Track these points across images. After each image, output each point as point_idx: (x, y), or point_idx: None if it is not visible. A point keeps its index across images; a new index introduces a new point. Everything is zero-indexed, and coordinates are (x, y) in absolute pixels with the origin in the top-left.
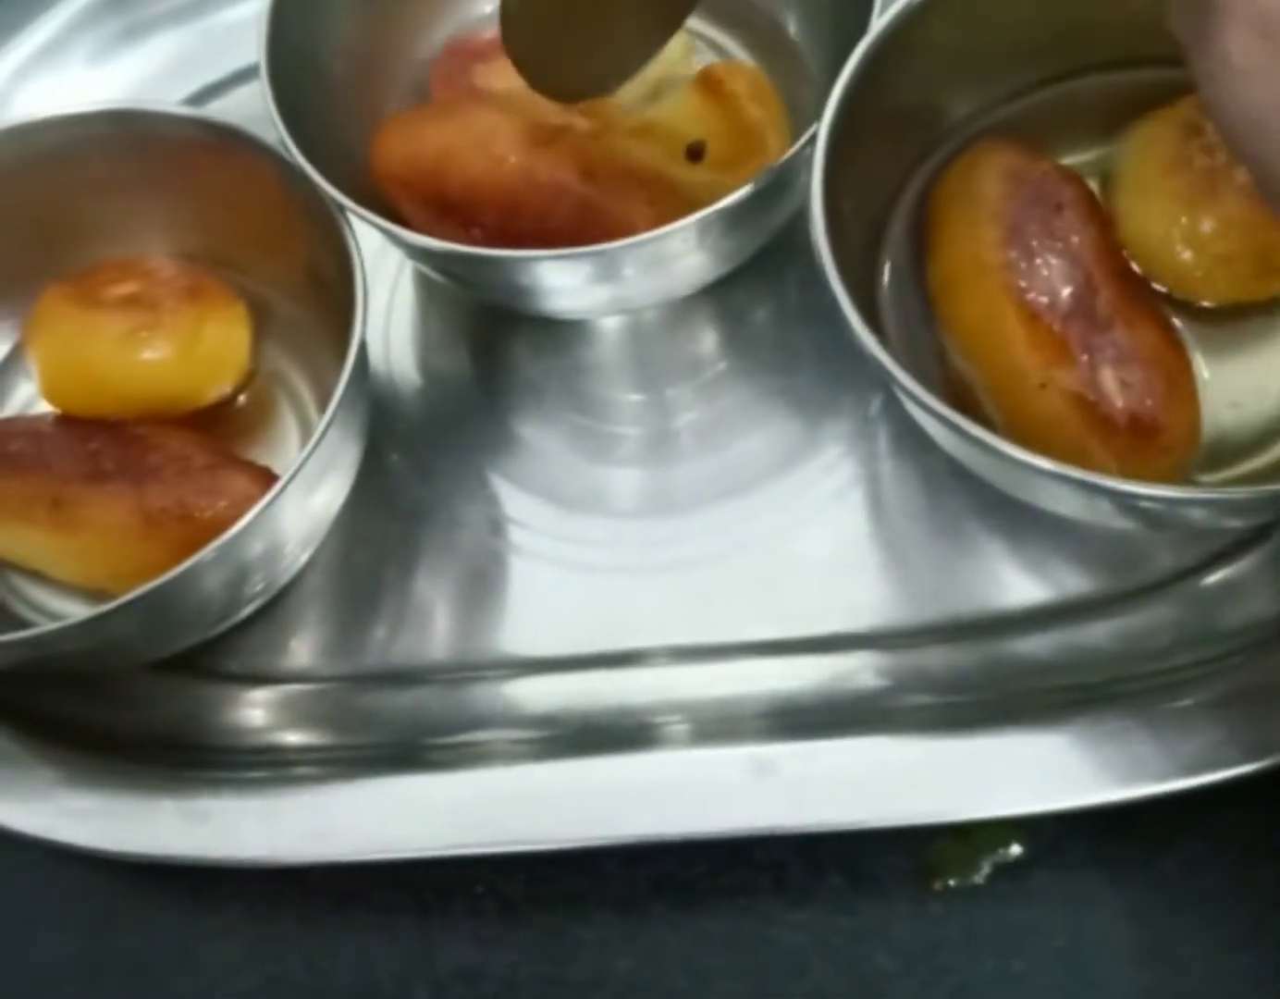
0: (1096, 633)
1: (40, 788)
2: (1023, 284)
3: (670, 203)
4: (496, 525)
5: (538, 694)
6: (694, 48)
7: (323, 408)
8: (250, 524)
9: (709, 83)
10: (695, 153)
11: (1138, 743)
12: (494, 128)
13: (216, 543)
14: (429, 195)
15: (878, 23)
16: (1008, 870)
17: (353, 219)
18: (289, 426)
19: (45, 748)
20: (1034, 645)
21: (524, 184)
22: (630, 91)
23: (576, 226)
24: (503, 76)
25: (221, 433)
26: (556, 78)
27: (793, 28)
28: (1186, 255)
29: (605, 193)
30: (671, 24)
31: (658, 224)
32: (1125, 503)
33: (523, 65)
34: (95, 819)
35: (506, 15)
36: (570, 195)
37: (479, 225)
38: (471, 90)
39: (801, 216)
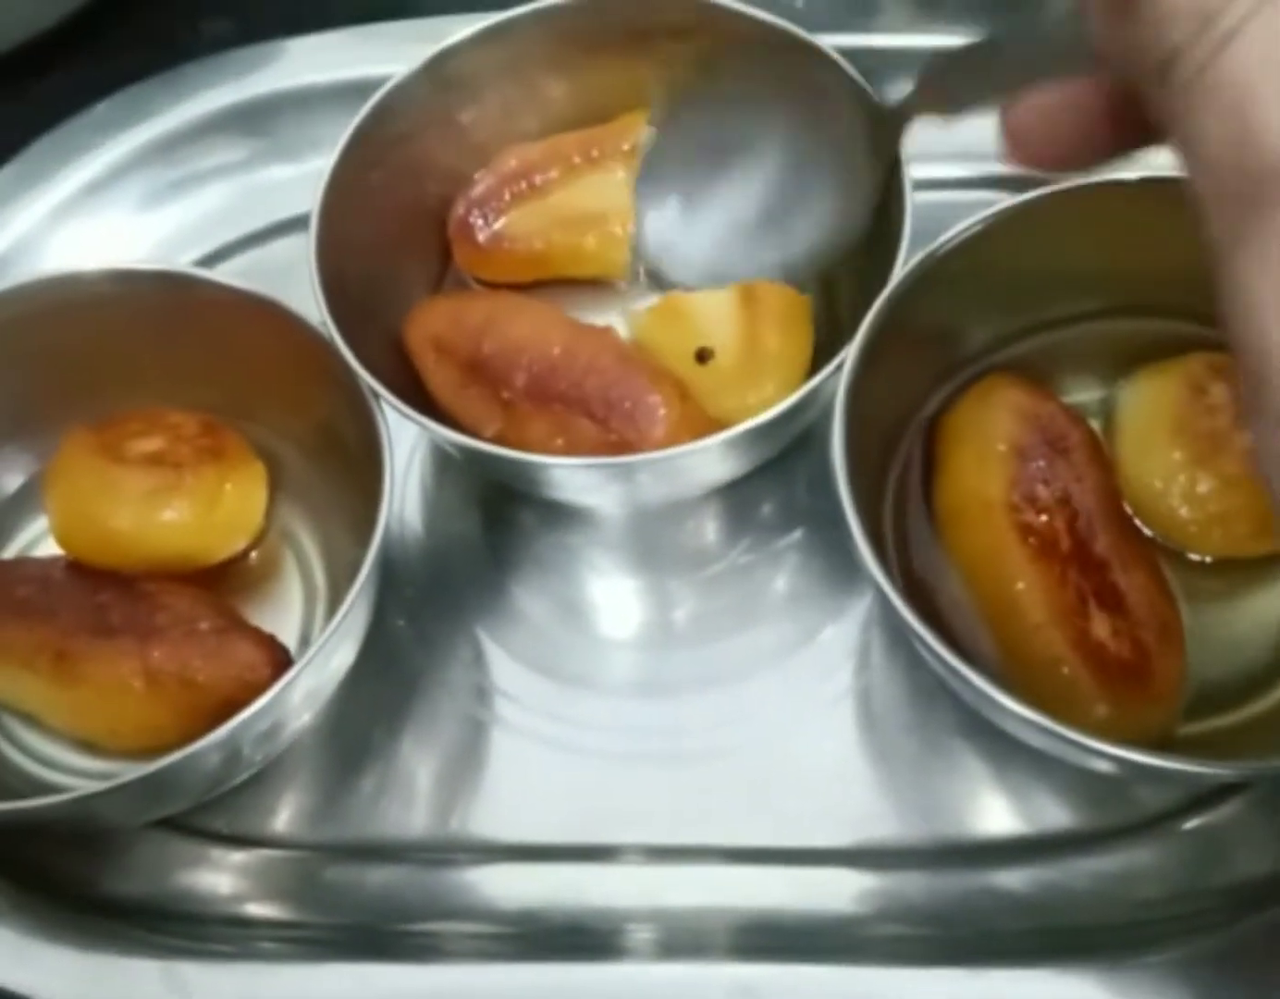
0: (1075, 871)
1: (22, 942)
2: (1026, 523)
3: (687, 401)
4: (485, 695)
5: (509, 885)
6: None
7: (329, 568)
8: (262, 705)
9: (747, 298)
10: (702, 356)
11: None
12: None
13: (226, 728)
14: (464, 358)
15: (902, 267)
16: None
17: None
18: (293, 586)
19: (25, 899)
20: (1012, 880)
21: (563, 355)
22: None
23: (606, 401)
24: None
25: (227, 588)
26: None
27: None
28: (1183, 511)
29: (638, 374)
30: None
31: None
32: (1100, 758)
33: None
34: (80, 981)
35: None
36: (605, 374)
37: (509, 388)
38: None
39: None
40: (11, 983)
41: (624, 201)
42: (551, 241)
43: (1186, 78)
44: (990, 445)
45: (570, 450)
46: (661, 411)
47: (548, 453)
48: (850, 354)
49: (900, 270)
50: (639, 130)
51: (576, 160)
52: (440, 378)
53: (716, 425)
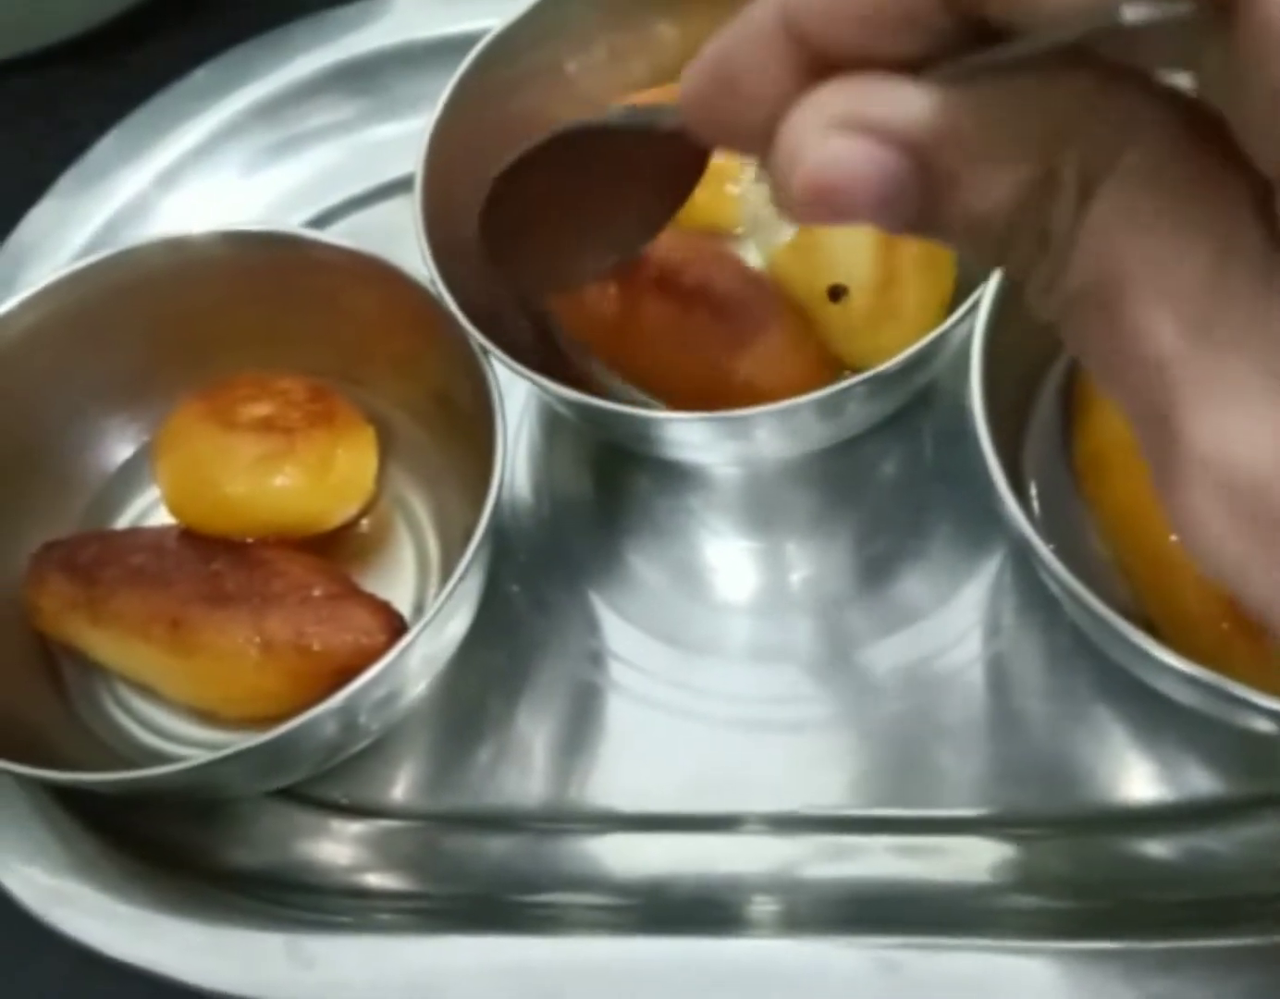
0: (1224, 840)
1: (147, 916)
2: None
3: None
4: (602, 661)
5: (630, 855)
6: None
7: (442, 533)
8: (378, 671)
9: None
10: (835, 293)
11: (1253, 971)
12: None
13: (342, 694)
14: None
15: None
16: None
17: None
18: (406, 552)
19: (149, 872)
20: (1158, 849)
21: (690, 256)
22: None
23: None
24: None
25: (340, 556)
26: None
27: None
28: None
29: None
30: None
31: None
32: (1265, 716)
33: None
34: (205, 955)
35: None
36: (730, 281)
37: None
38: None
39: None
40: (135, 957)
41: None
42: None
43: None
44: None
45: (682, 345)
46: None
47: (658, 343)
48: (986, 295)
49: None
50: None
51: None
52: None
53: (835, 372)
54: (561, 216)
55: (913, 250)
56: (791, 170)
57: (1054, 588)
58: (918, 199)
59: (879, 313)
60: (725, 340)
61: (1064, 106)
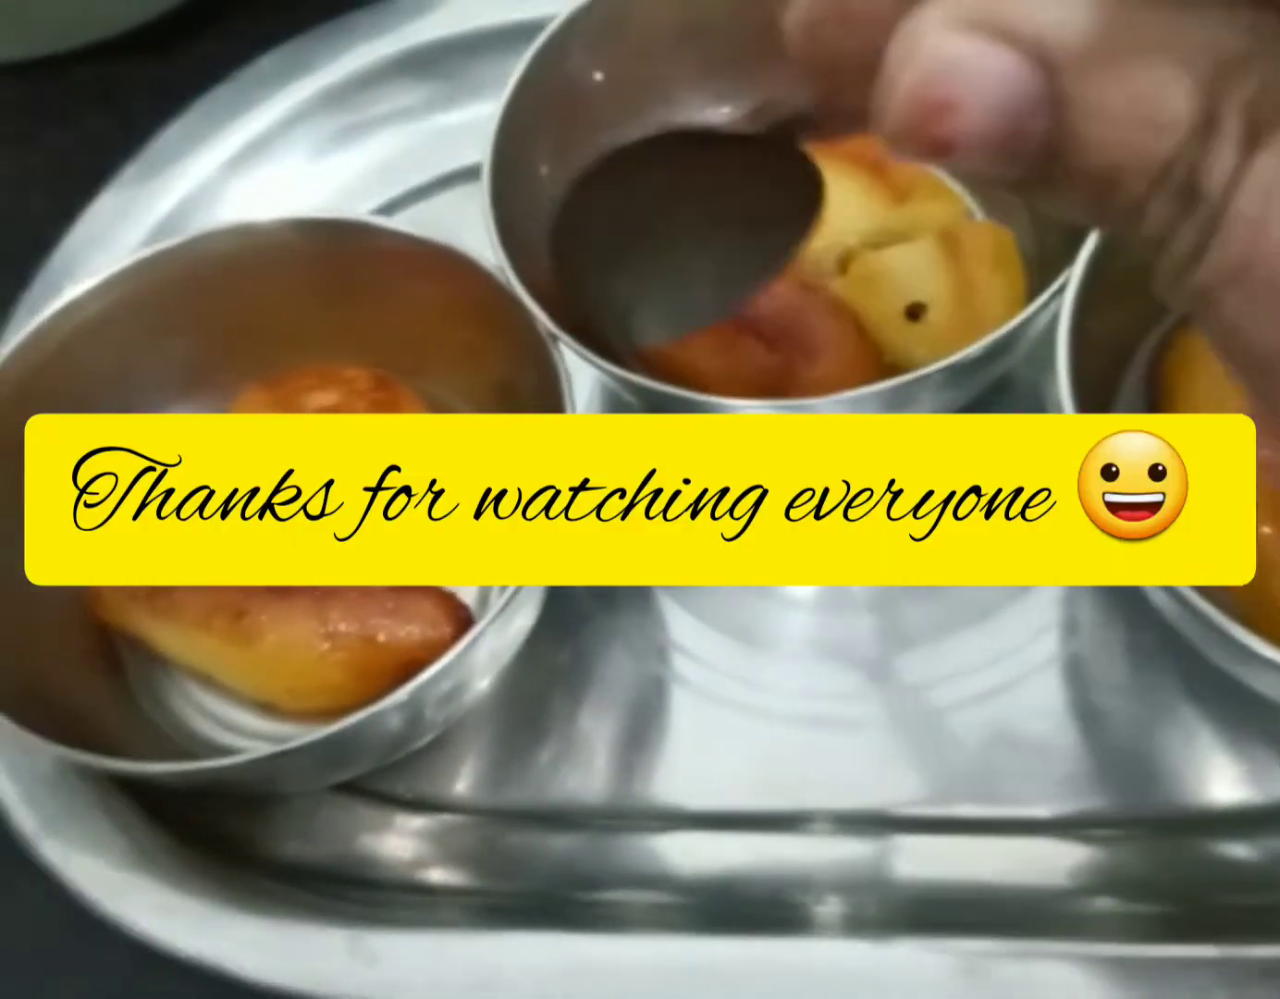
0: None
1: (208, 911)
2: (1268, 459)
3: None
4: (666, 655)
5: (695, 853)
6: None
7: None
8: (444, 665)
9: (949, 244)
10: (914, 312)
11: None
12: None
13: (409, 687)
14: None
15: None
16: None
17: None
18: None
19: (209, 865)
20: (1242, 852)
21: None
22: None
23: (776, 325)
24: None
25: None
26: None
27: None
28: None
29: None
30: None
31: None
32: None
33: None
34: (266, 951)
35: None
36: (780, 299)
37: None
38: None
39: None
40: (196, 952)
41: None
42: None
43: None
44: (1225, 376)
45: (732, 371)
46: (833, 344)
47: (708, 371)
48: (1072, 280)
49: None
50: None
51: None
52: None
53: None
54: (652, 242)
55: (981, 253)
56: (898, 76)
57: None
58: (1044, 134)
59: (962, 323)
60: (775, 371)
61: (1241, 39)
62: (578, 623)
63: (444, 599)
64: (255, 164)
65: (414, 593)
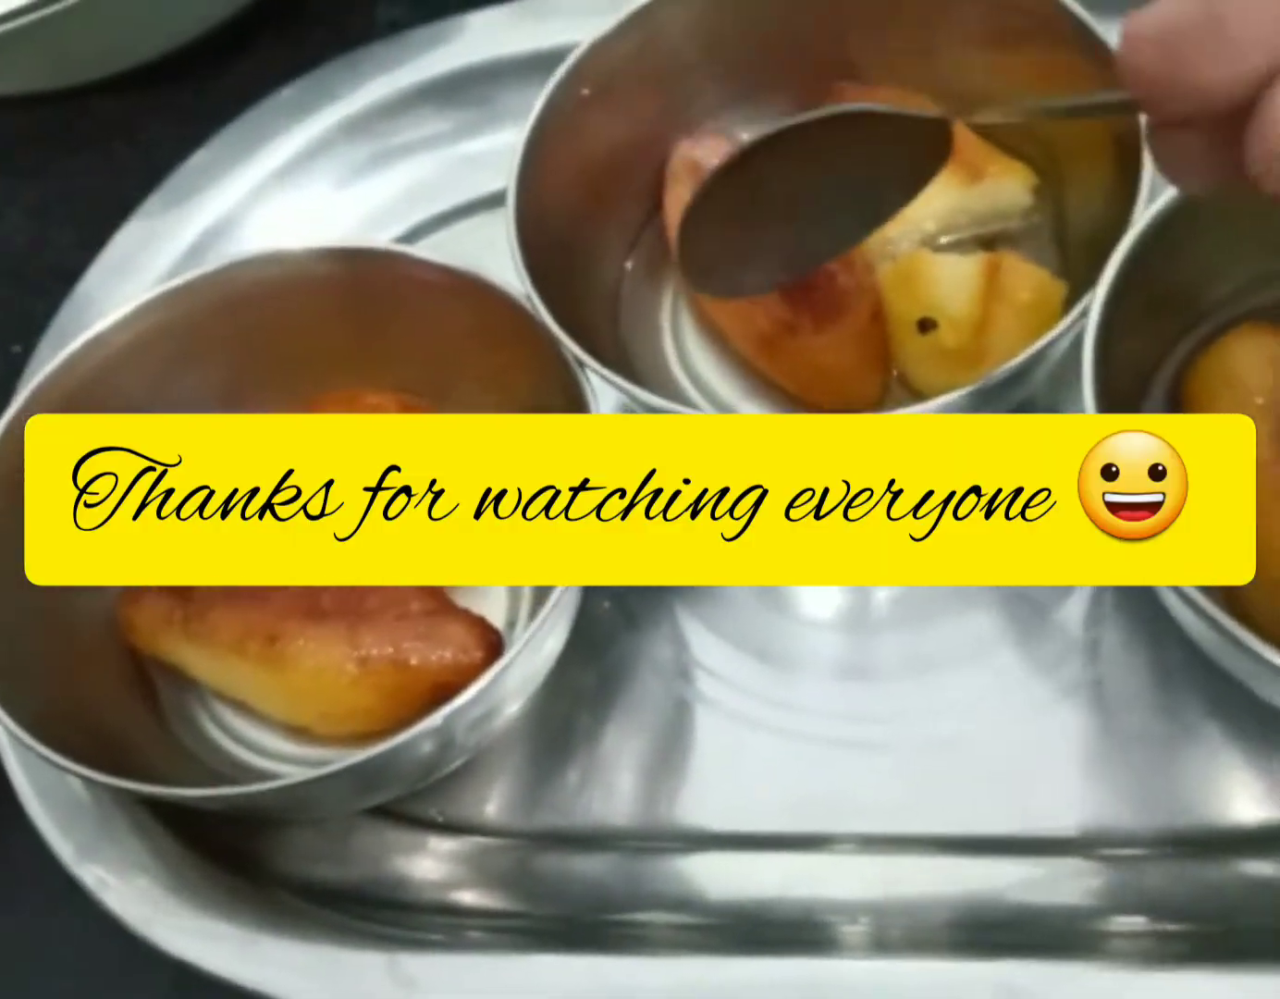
0: None
1: (247, 935)
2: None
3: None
4: (691, 677)
5: (722, 875)
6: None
7: None
8: (478, 690)
9: (991, 273)
10: (924, 326)
11: None
12: None
13: (441, 713)
14: None
15: (1145, 213)
16: None
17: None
18: None
19: (244, 888)
20: (1269, 871)
21: None
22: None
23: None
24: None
25: None
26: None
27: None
28: None
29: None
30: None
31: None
32: None
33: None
34: (305, 974)
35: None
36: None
37: None
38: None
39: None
40: (235, 976)
41: None
42: None
43: None
44: (1248, 398)
45: (745, 309)
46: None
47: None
48: (1095, 303)
49: (1140, 215)
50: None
51: None
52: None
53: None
54: (781, 208)
55: (1023, 299)
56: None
57: (1172, 602)
58: None
59: (963, 356)
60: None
61: None
62: (604, 645)
63: (475, 624)
64: (278, 193)
65: (445, 617)
